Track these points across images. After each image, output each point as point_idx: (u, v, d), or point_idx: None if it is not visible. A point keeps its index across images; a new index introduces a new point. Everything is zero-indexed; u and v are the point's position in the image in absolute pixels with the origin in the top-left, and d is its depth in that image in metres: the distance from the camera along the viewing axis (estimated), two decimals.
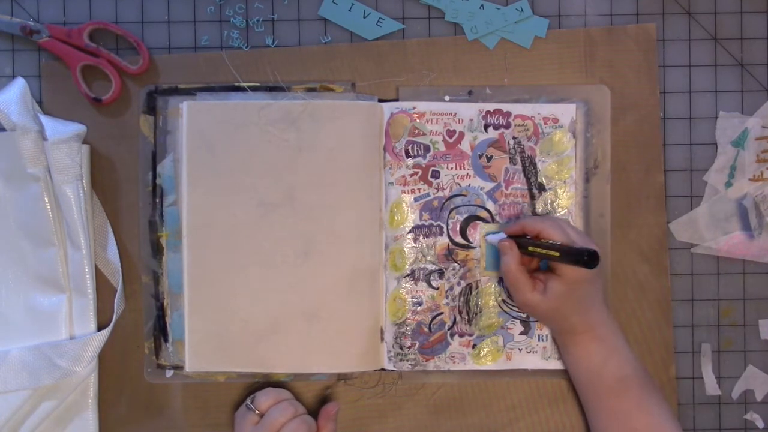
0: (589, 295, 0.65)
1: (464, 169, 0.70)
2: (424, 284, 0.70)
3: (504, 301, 0.71)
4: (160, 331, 0.70)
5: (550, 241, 0.63)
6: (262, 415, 0.64)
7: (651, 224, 0.71)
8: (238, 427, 0.65)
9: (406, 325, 0.70)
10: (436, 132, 0.70)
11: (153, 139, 0.70)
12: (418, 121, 0.70)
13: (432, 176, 0.70)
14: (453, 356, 0.71)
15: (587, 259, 0.59)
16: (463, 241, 0.70)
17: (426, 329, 0.70)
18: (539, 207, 0.70)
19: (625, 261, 0.71)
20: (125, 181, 0.70)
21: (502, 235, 0.68)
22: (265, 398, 0.65)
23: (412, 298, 0.70)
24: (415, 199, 0.70)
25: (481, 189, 0.71)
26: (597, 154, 0.71)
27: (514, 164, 0.70)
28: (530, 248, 0.65)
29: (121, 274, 0.69)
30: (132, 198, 0.70)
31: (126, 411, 0.71)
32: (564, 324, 0.66)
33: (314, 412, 0.67)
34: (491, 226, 0.70)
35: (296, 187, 0.69)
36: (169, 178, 0.70)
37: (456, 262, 0.70)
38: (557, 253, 0.62)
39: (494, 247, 0.69)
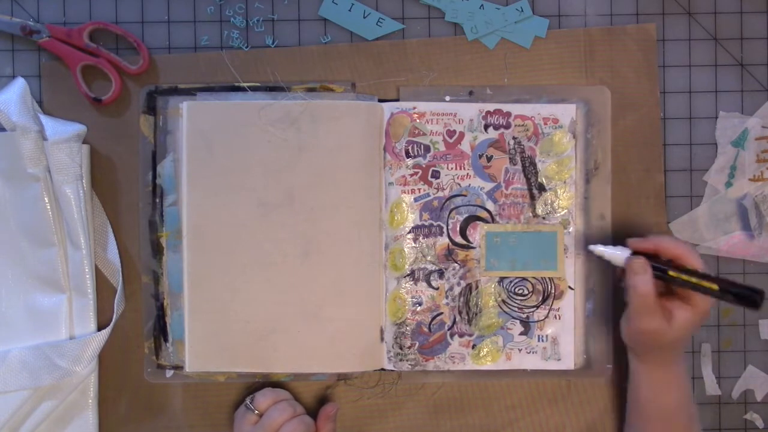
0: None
1: (464, 169, 0.70)
2: (424, 284, 0.70)
3: (504, 301, 0.71)
4: (160, 331, 0.70)
5: (702, 273, 0.59)
6: (261, 415, 0.65)
7: (651, 224, 0.71)
8: (237, 427, 0.66)
9: (406, 325, 0.70)
10: (436, 132, 0.70)
11: (153, 139, 0.70)
12: (418, 121, 0.70)
13: (432, 176, 0.70)
14: (453, 356, 0.71)
15: (758, 298, 0.55)
16: (463, 241, 0.70)
17: (426, 329, 0.70)
18: (539, 207, 0.70)
19: None
20: (125, 181, 0.70)
21: (625, 251, 0.64)
22: (264, 398, 0.65)
23: (412, 298, 0.70)
24: (415, 199, 0.70)
25: (481, 189, 0.71)
26: (597, 155, 0.71)
27: (514, 164, 0.70)
28: (672, 273, 0.60)
29: (121, 274, 0.69)
30: (132, 198, 0.70)
31: (126, 411, 0.71)
32: (667, 356, 0.64)
33: (314, 413, 0.67)
34: (491, 227, 0.70)
35: (296, 187, 0.69)
36: (169, 178, 0.70)
37: (456, 263, 0.70)
38: (716, 286, 0.58)
39: (603, 256, 0.64)
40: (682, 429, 0.65)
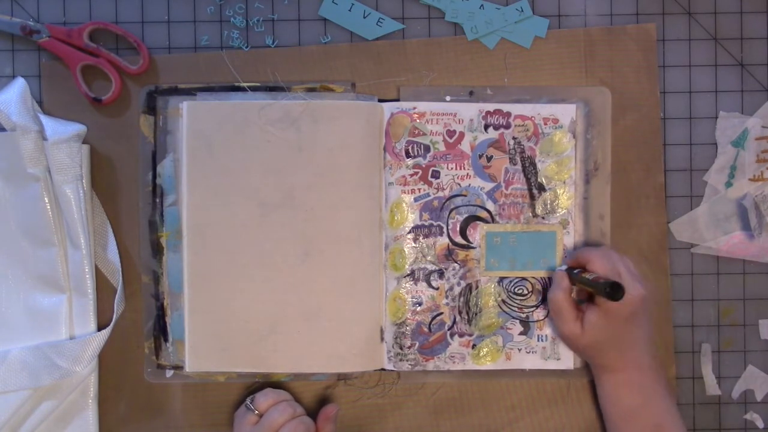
0: (629, 334, 0.65)
1: (464, 169, 0.70)
2: (424, 284, 0.70)
3: (504, 301, 0.71)
4: (160, 331, 0.70)
5: (591, 275, 0.64)
6: (261, 416, 0.65)
7: (651, 224, 0.72)
8: (237, 427, 0.65)
9: (406, 325, 0.70)
10: (436, 132, 0.70)
11: (153, 139, 0.70)
12: (418, 121, 0.70)
13: (432, 176, 0.70)
14: (453, 356, 0.71)
15: (609, 290, 0.60)
16: (463, 241, 0.70)
17: (426, 329, 0.70)
18: (539, 207, 0.70)
19: None
20: (125, 181, 0.70)
21: (563, 266, 0.69)
22: (264, 399, 0.65)
23: (412, 298, 0.70)
24: (415, 199, 0.70)
25: (481, 189, 0.71)
26: (597, 156, 0.71)
27: (514, 164, 0.70)
28: (577, 284, 0.66)
29: (121, 274, 0.69)
30: (132, 198, 0.70)
31: (126, 411, 0.71)
32: (600, 359, 0.67)
33: (314, 413, 0.67)
34: (491, 227, 0.70)
35: (296, 187, 0.69)
36: (169, 178, 0.70)
37: (456, 263, 0.70)
38: (591, 289, 0.63)
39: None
40: None
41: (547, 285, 0.71)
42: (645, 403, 0.65)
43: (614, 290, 0.60)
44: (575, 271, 0.66)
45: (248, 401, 0.66)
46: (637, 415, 0.65)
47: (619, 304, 0.62)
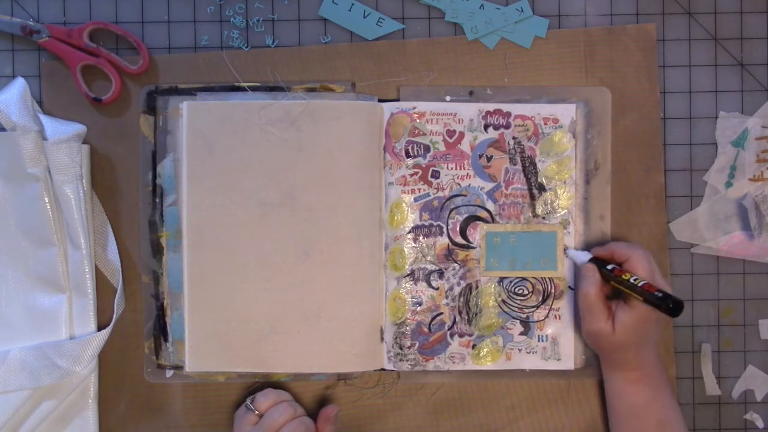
0: (649, 334, 0.65)
1: (464, 169, 0.70)
2: (424, 284, 0.70)
3: (504, 301, 0.71)
4: (160, 331, 0.70)
5: (634, 277, 0.63)
6: (261, 416, 0.65)
7: (651, 224, 0.71)
8: (237, 427, 0.65)
9: (406, 325, 0.70)
10: (436, 132, 0.70)
11: (153, 139, 0.70)
12: (418, 121, 0.70)
13: (432, 176, 0.70)
14: (453, 356, 0.71)
15: (672, 308, 0.60)
16: (463, 241, 0.70)
17: (426, 329, 0.70)
18: (539, 207, 0.70)
19: None
20: (125, 181, 0.70)
21: (587, 255, 0.68)
22: (264, 399, 0.65)
23: (412, 298, 0.70)
24: (415, 199, 0.70)
25: (481, 189, 0.70)
26: (597, 156, 0.71)
27: (514, 164, 0.70)
28: (612, 283, 0.65)
29: (121, 274, 0.69)
30: (132, 198, 0.70)
31: (126, 411, 0.71)
32: (619, 358, 0.66)
33: (314, 413, 0.67)
34: (491, 227, 0.70)
35: (296, 187, 0.69)
36: (169, 178, 0.70)
37: (456, 263, 0.70)
38: (641, 297, 0.62)
39: (574, 262, 0.69)
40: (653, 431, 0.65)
41: (547, 285, 0.71)
42: (652, 399, 0.65)
43: (677, 308, 0.60)
44: (608, 267, 0.65)
45: (248, 401, 0.66)
46: (644, 411, 0.66)
47: (646, 309, 0.62)
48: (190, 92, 0.70)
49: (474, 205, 0.70)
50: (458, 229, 0.70)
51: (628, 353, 0.65)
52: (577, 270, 0.69)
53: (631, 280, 0.63)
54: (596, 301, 0.65)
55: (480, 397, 0.72)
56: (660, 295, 0.61)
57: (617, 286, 0.64)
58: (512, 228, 0.70)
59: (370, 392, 0.72)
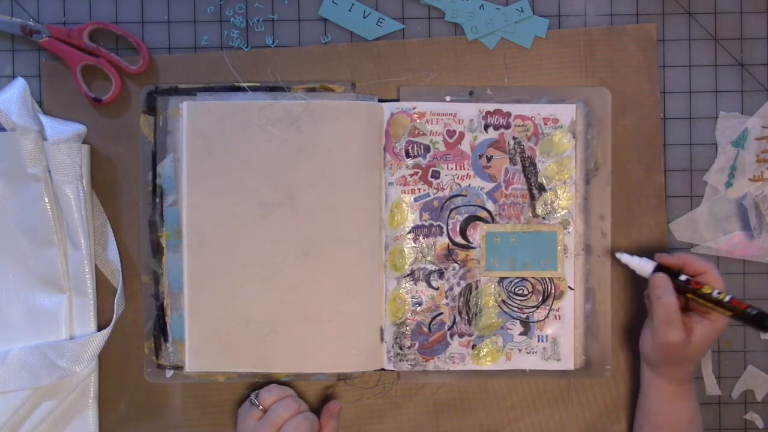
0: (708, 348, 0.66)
1: (464, 169, 0.70)
2: (424, 284, 0.70)
3: (504, 301, 0.71)
4: (160, 331, 0.70)
5: (717, 291, 0.63)
6: (265, 411, 0.65)
7: (651, 224, 0.71)
8: (241, 422, 0.66)
9: (406, 326, 0.70)
10: (436, 132, 0.70)
11: (153, 139, 0.70)
12: (418, 121, 0.70)
13: (432, 176, 0.70)
14: (453, 356, 0.71)
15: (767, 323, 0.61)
16: (463, 242, 0.70)
17: (426, 329, 0.70)
18: (539, 207, 0.70)
19: None
20: (125, 181, 0.70)
21: (650, 263, 0.66)
22: (268, 394, 0.66)
23: (412, 298, 0.70)
24: (415, 199, 0.70)
25: (481, 189, 0.71)
26: (597, 156, 0.71)
27: (514, 164, 0.70)
28: (689, 295, 0.64)
29: (121, 274, 0.69)
30: (132, 198, 0.70)
31: (126, 411, 0.71)
32: (682, 371, 0.66)
33: (315, 412, 0.67)
34: (491, 227, 0.70)
35: (296, 187, 0.69)
36: (169, 178, 0.70)
37: (456, 263, 0.70)
38: (728, 312, 0.63)
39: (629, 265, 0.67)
40: None
41: (547, 285, 0.71)
42: (694, 412, 0.67)
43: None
44: (682, 278, 0.64)
45: (253, 396, 0.66)
46: (689, 426, 0.66)
47: (725, 321, 0.63)
48: (190, 92, 0.70)
49: (474, 205, 0.70)
50: (458, 229, 0.70)
51: (692, 366, 0.66)
52: (639, 276, 0.67)
53: (715, 294, 0.63)
54: (676, 311, 0.63)
55: (480, 397, 0.72)
56: (755, 312, 0.62)
57: (695, 299, 0.64)
58: (512, 228, 0.70)
59: (370, 392, 0.72)
